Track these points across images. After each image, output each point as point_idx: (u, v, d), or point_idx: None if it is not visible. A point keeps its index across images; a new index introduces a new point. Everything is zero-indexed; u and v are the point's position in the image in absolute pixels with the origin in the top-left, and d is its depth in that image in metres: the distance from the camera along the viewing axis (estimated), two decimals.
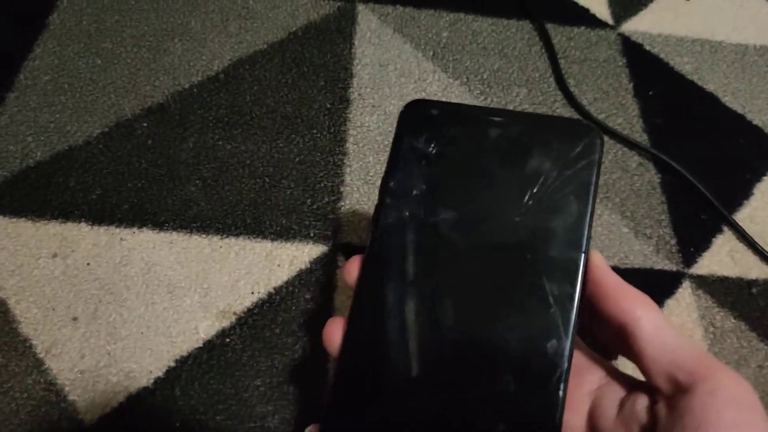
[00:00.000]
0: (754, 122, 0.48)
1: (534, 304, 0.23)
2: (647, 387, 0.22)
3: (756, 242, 0.41)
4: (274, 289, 0.36)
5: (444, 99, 0.44)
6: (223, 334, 0.34)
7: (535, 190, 0.25)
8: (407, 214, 0.25)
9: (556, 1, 0.54)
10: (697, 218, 0.42)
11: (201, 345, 0.33)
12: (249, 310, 0.35)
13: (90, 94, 0.42)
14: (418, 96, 0.45)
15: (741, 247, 0.41)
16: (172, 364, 0.33)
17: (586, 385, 0.23)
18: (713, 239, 0.41)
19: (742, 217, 0.42)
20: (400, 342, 0.22)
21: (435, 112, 0.26)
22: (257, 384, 0.33)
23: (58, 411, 0.31)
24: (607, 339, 0.23)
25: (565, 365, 0.22)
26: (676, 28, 0.53)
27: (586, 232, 0.24)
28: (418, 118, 0.26)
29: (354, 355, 0.22)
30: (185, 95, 0.43)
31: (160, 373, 0.32)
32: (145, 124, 0.41)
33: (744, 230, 0.41)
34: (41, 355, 0.32)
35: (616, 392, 0.23)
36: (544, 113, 0.25)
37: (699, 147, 0.46)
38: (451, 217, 0.25)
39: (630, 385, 0.22)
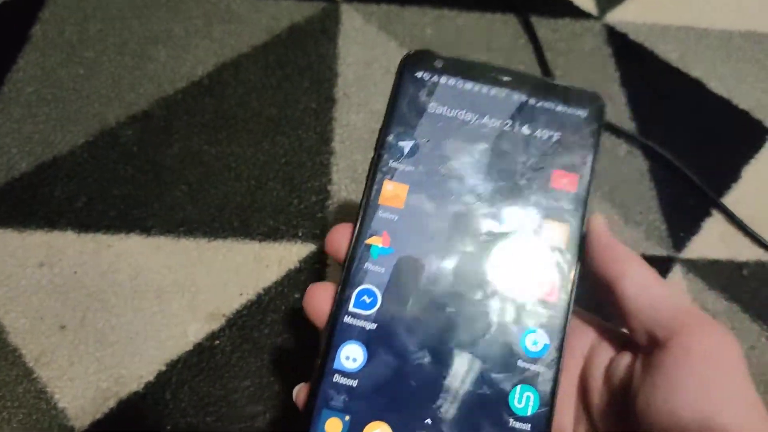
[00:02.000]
0: (741, 106, 0.48)
1: (531, 265, 0.23)
2: (634, 344, 0.22)
3: (745, 224, 0.41)
4: (263, 289, 0.36)
5: None
6: (212, 336, 0.34)
7: (536, 152, 0.25)
8: (407, 169, 0.24)
9: None
10: (686, 203, 0.42)
11: (190, 348, 0.33)
12: (238, 311, 0.35)
13: (73, 104, 0.42)
14: None
15: (731, 230, 0.41)
16: (162, 368, 0.33)
17: (578, 348, 0.24)
18: (702, 223, 0.41)
19: (730, 200, 0.42)
20: (396, 307, 0.23)
21: (438, 65, 0.25)
22: (247, 385, 0.32)
23: (49, 418, 0.31)
24: (601, 297, 0.23)
25: (563, 328, 0.23)
26: (660, 16, 0.53)
27: (586, 195, 0.24)
28: (420, 70, 0.26)
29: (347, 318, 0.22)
30: (170, 101, 0.43)
31: (151, 378, 0.32)
32: (129, 132, 0.41)
33: (733, 213, 0.41)
34: (30, 364, 0.32)
35: (607, 352, 0.23)
36: (548, 78, 0.24)
37: (686, 133, 0.46)
38: (451, 175, 0.24)
39: (622, 343, 0.22)
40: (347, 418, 0.22)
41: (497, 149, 0.24)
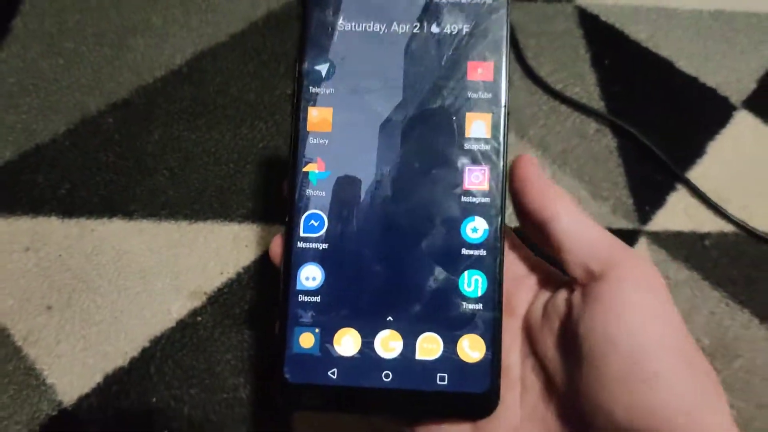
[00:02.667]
0: (708, 84, 0.49)
1: (460, 159, 0.25)
2: (569, 282, 0.23)
3: (709, 197, 0.42)
4: (243, 268, 0.37)
5: None
6: (194, 313, 0.35)
7: (450, 52, 0.25)
8: (328, 92, 0.25)
9: None
10: (653, 178, 0.44)
11: (174, 325, 0.35)
12: (219, 289, 0.36)
13: (54, 94, 0.43)
14: None
15: (694, 203, 0.43)
16: (147, 344, 0.34)
17: (524, 293, 0.25)
18: (668, 197, 0.43)
19: (695, 175, 0.44)
20: (343, 225, 0.24)
21: None
22: (228, 358, 0.34)
23: (38, 394, 0.32)
24: (533, 236, 0.25)
25: (500, 212, 0.24)
26: None
27: (504, 81, 0.25)
28: None
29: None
30: (149, 89, 0.44)
31: (135, 353, 0.34)
32: (110, 120, 0.42)
33: (697, 187, 0.43)
34: (19, 343, 0.33)
35: (548, 293, 0.24)
36: None
37: (654, 111, 0.47)
38: (371, 88, 0.25)
39: (560, 283, 0.24)
40: (317, 330, 0.24)
41: (411, 53, 0.25)
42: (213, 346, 0.34)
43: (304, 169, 0.25)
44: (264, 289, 0.36)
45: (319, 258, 0.24)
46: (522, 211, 0.24)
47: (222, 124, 0.43)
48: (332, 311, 0.24)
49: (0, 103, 0.42)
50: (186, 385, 0.33)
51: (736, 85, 0.49)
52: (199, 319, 0.35)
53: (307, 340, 0.24)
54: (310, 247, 0.24)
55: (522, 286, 0.25)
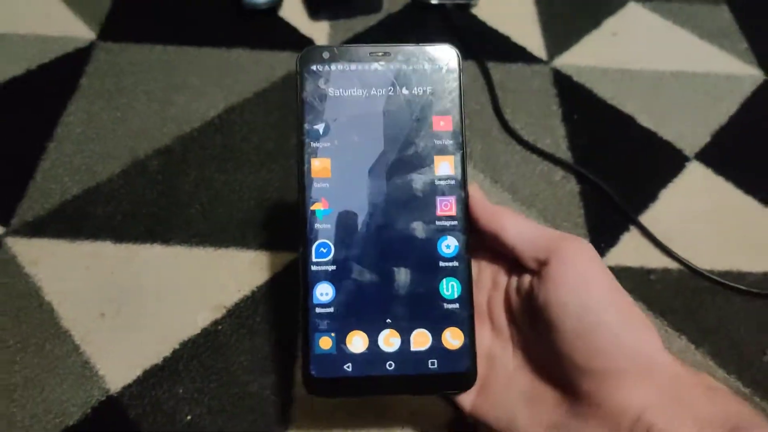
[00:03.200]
0: (665, 138, 0.56)
1: (433, 192, 0.31)
2: (527, 270, 0.31)
3: (656, 237, 0.49)
4: (257, 287, 0.45)
5: None
6: (216, 323, 0.43)
7: (419, 109, 0.31)
8: (326, 146, 0.31)
9: (497, 43, 0.63)
10: (609, 220, 0.50)
11: (199, 332, 0.43)
12: (236, 304, 0.44)
13: (112, 141, 0.52)
14: None
15: (644, 243, 0.49)
16: (177, 346, 0.42)
17: (502, 274, 0.33)
18: (621, 237, 0.49)
19: (647, 218, 0.50)
20: (346, 250, 0.30)
21: (326, 56, 0.31)
22: (242, 360, 0.42)
23: (91, 383, 0.40)
24: (493, 246, 0.32)
25: (465, 232, 0.31)
26: (601, 60, 0.62)
27: (461, 129, 0.31)
28: (313, 64, 0.31)
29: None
30: (187, 138, 0.53)
31: (167, 353, 0.42)
32: (155, 163, 0.51)
33: (647, 228, 0.49)
34: (78, 342, 0.42)
35: (514, 275, 0.32)
36: (412, 43, 0.31)
37: (615, 161, 0.54)
38: (359, 141, 0.31)
39: (519, 271, 0.32)
40: (333, 334, 0.30)
41: (388, 112, 0.31)
42: (230, 350, 0.42)
43: (312, 208, 0.31)
44: (273, 305, 0.44)
45: (330, 277, 0.30)
46: (478, 230, 0.31)
47: (246, 167, 0.52)
48: (343, 318, 0.30)
49: (69, 148, 0.51)
50: (207, 381, 0.41)
51: (691, 138, 0.56)
52: (220, 327, 0.43)
53: (325, 343, 0.30)
54: (321, 269, 0.30)
55: (501, 267, 0.33)
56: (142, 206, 0.49)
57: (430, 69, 0.31)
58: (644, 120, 0.57)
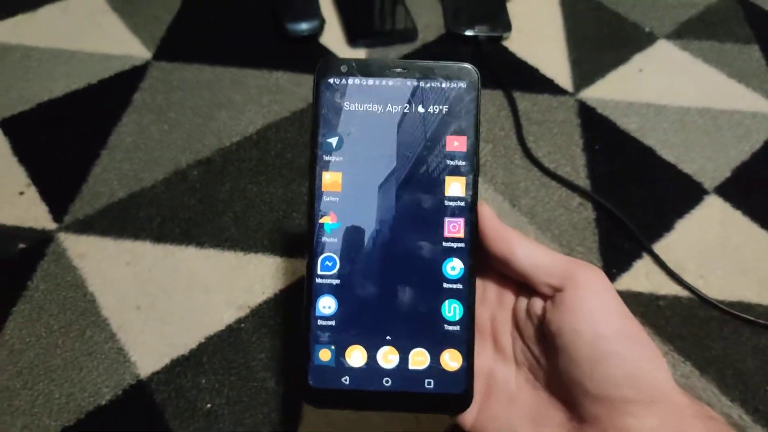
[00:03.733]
0: (685, 170, 0.57)
1: (442, 212, 0.30)
2: (538, 293, 0.31)
3: (668, 266, 0.50)
4: (279, 290, 0.48)
5: None
6: (239, 321, 0.46)
7: (433, 127, 0.30)
8: (338, 160, 0.30)
9: (525, 74, 0.66)
10: (622, 247, 0.52)
11: (223, 328, 0.46)
12: (260, 305, 0.47)
13: (158, 151, 0.57)
14: None
15: (656, 270, 0.50)
16: (203, 340, 0.45)
17: (508, 292, 0.33)
18: (633, 263, 0.51)
19: (661, 246, 0.52)
20: (351, 264, 0.30)
21: (344, 69, 0.31)
22: (261, 357, 0.45)
23: (124, 368, 0.44)
24: (503, 270, 0.32)
25: (472, 255, 0.30)
26: (626, 94, 0.64)
27: (475, 151, 0.30)
28: (331, 76, 0.31)
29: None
30: (226, 151, 0.57)
31: (194, 346, 0.45)
32: (195, 172, 0.56)
33: (659, 256, 0.51)
34: (114, 331, 0.46)
35: (523, 297, 0.32)
36: (431, 61, 0.31)
37: (633, 191, 0.56)
38: (371, 156, 0.30)
39: (529, 293, 0.32)
40: (332, 347, 0.30)
41: (403, 128, 0.30)
42: (251, 347, 0.45)
43: (320, 221, 0.30)
44: (293, 308, 0.47)
45: (333, 291, 0.30)
46: (488, 253, 0.31)
47: (277, 180, 0.55)
48: (344, 332, 0.30)
49: (119, 156, 0.56)
50: (227, 373, 0.44)
51: (711, 173, 0.57)
52: (243, 326, 0.46)
53: (325, 355, 0.30)
54: (326, 282, 0.30)
55: (507, 287, 0.33)
56: (180, 211, 0.53)
57: (447, 87, 0.31)
58: (665, 153, 0.59)
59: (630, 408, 0.27)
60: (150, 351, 0.45)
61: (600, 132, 0.60)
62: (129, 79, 0.63)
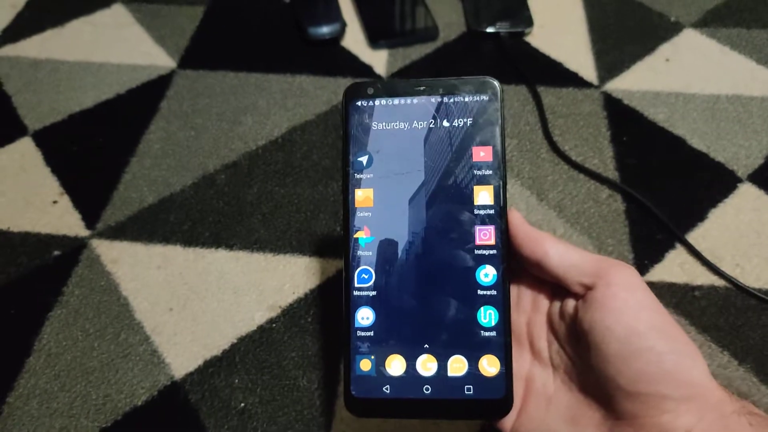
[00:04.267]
0: (717, 159, 0.56)
1: (472, 221, 0.31)
2: (571, 294, 0.31)
3: (704, 255, 0.49)
4: (309, 290, 0.48)
5: None
6: (271, 321, 0.47)
7: (459, 140, 0.31)
8: (369, 177, 0.32)
9: (549, 68, 0.65)
10: (654, 238, 0.51)
11: (255, 328, 0.46)
12: (290, 305, 0.48)
13: (186, 156, 0.58)
14: None
15: (690, 260, 0.49)
16: (235, 341, 0.46)
17: (543, 296, 0.33)
18: (666, 254, 0.50)
19: (694, 236, 0.50)
20: (386, 276, 0.31)
21: (370, 91, 0.32)
22: (293, 356, 0.45)
23: (158, 369, 0.44)
24: (536, 273, 0.32)
25: (504, 260, 0.31)
26: (653, 84, 0.63)
27: (501, 160, 0.31)
28: (358, 99, 0.32)
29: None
30: (253, 154, 0.58)
31: (226, 347, 0.45)
32: (223, 176, 0.56)
33: (693, 246, 0.49)
34: (148, 333, 0.46)
35: (557, 299, 0.33)
36: (452, 78, 0.32)
37: (664, 181, 0.55)
38: (401, 172, 0.31)
39: (562, 295, 0.32)
40: (372, 357, 0.31)
41: (429, 143, 0.32)
42: (282, 346, 0.45)
43: (355, 236, 0.32)
44: (324, 307, 0.47)
45: (370, 302, 0.31)
46: (521, 257, 0.32)
47: (304, 182, 0.56)
48: (383, 342, 0.31)
49: (149, 162, 0.57)
50: (260, 373, 0.44)
51: (744, 160, 0.56)
52: (274, 326, 0.46)
53: (365, 365, 0.31)
54: (363, 294, 0.31)
55: (542, 292, 0.33)
56: (209, 214, 0.53)
57: (470, 101, 0.32)
58: (696, 142, 0.57)
59: (666, 404, 0.27)
60: (183, 352, 0.45)
61: (627, 123, 0.59)
62: (156, 88, 0.64)
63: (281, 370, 0.44)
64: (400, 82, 0.33)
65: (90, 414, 0.42)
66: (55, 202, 0.55)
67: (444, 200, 0.31)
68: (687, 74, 0.64)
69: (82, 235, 0.52)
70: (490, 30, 0.69)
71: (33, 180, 0.57)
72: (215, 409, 0.42)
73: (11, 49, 0.70)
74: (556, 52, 0.67)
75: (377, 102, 0.32)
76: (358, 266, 0.32)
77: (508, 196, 0.51)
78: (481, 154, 0.32)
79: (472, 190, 0.31)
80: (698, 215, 0.52)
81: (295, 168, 0.57)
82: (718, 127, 0.59)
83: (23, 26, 0.73)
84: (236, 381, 0.44)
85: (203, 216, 0.53)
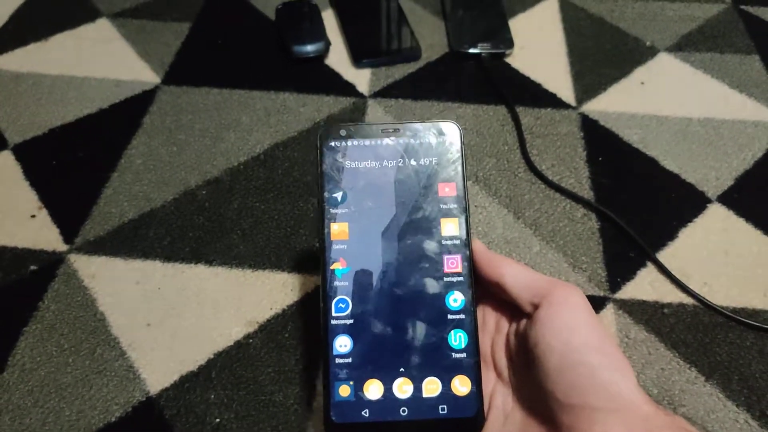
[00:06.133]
0: (688, 180, 0.57)
1: (440, 251, 0.34)
2: (525, 314, 0.33)
3: (673, 274, 0.50)
4: (287, 306, 0.49)
5: None
6: (248, 336, 0.47)
7: (425, 177, 0.34)
8: (343, 212, 0.34)
9: (528, 89, 0.67)
10: (626, 256, 0.52)
11: (232, 344, 0.46)
12: (268, 320, 0.48)
13: (167, 172, 0.58)
14: None
15: (660, 278, 0.50)
16: (212, 356, 0.46)
17: (504, 320, 0.35)
18: (638, 272, 0.51)
19: (665, 255, 0.52)
20: (362, 305, 0.33)
21: (343, 133, 0.35)
22: (269, 371, 0.45)
23: (134, 385, 0.44)
24: (498, 295, 0.35)
25: (471, 286, 0.34)
26: (629, 106, 0.64)
27: (464, 195, 0.34)
28: (332, 140, 0.35)
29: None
30: (234, 170, 0.58)
31: (203, 362, 0.45)
32: (204, 192, 0.57)
33: (663, 264, 0.51)
34: (124, 348, 0.46)
35: (513, 320, 0.35)
36: (419, 120, 0.36)
37: (637, 201, 0.56)
38: (373, 207, 0.34)
39: (519, 316, 0.34)
40: (351, 383, 0.32)
41: (398, 180, 0.34)
42: (259, 361, 0.46)
43: (331, 267, 0.33)
44: (301, 323, 0.48)
45: (348, 330, 0.33)
46: (483, 280, 0.34)
47: (285, 198, 0.56)
48: (361, 368, 0.32)
49: (130, 178, 0.58)
50: (236, 388, 0.44)
51: (714, 182, 0.57)
52: (251, 341, 0.47)
53: (344, 391, 0.32)
54: (340, 323, 0.33)
55: (503, 314, 0.35)
56: (189, 230, 0.54)
57: (435, 142, 0.35)
58: (668, 163, 0.59)
59: (596, 416, 0.28)
60: (159, 368, 0.45)
61: (603, 144, 0.61)
62: (139, 103, 0.65)
63: (257, 385, 0.44)
64: (371, 126, 0.35)
65: (63, 430, 0.42)
66: (33, 216, 0.55)
67: (414, 232, 0.34)
68: (661, 97, 0.66)
69: (60, 249, 0.52)
70: (471, 51, 0.70)
71: (11, 193, 0.57)
72: (190, 425, 0.42)
73: None
74: (535, 74, 0.69)
75: (349, 143, 0.35)
76: (335, 296, 0.33)
77: (485, 214, 0.52)
78: (446, 189, 0.35)
79: (439, 222, 0.34)
80: (669, 234, 0.54)
81: (276, 184, 0.57)
82: (689, 149, 0.60)
83: (6, 39, 0.73)
84: (212, 396, 0.44)
85: (183, 231, 0.53)
